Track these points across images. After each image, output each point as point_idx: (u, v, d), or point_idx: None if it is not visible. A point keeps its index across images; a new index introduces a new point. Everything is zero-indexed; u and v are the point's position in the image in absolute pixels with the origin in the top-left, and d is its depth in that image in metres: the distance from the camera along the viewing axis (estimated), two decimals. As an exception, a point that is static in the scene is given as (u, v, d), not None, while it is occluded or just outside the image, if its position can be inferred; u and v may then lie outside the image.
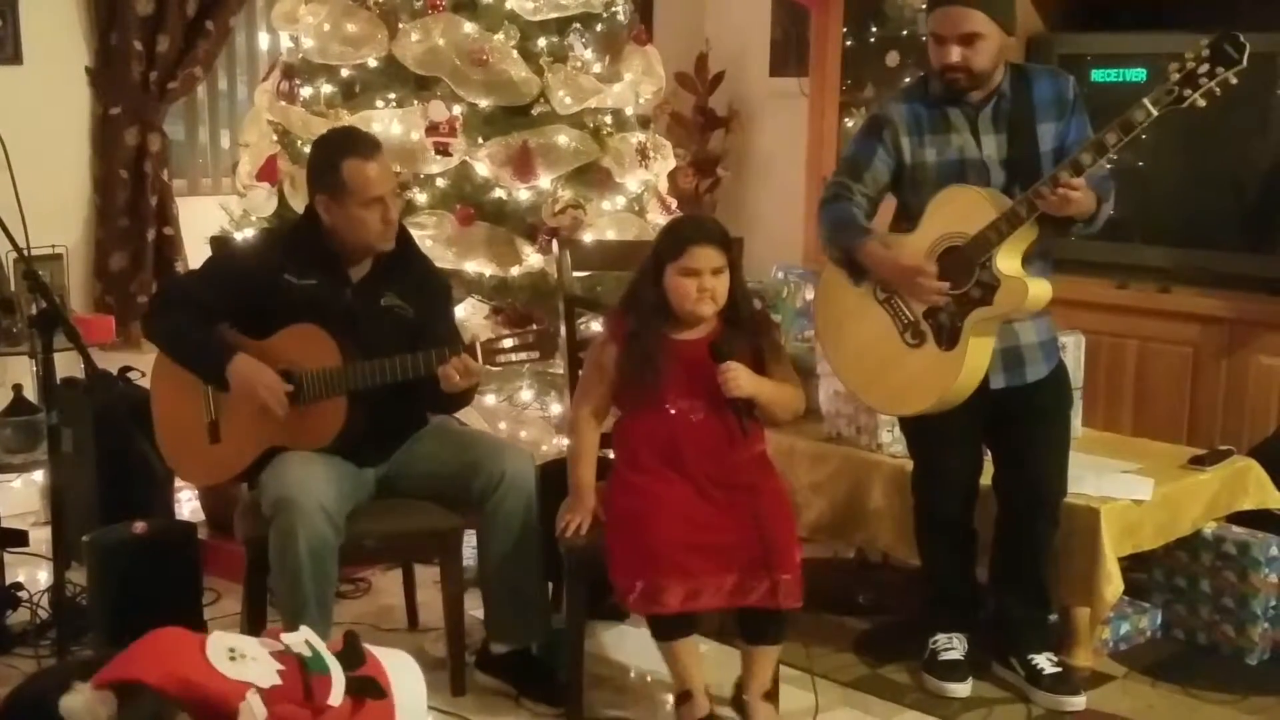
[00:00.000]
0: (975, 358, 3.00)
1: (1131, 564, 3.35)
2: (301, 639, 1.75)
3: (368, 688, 1.74)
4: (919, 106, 3.09)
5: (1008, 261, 2.96)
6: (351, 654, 1.82)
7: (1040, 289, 3.00)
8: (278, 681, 1.70)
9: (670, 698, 3.02)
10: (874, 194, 3.16)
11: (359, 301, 3.11)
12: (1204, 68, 2.78)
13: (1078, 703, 3.15)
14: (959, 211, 2.98)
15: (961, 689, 3.19)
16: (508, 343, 3.02)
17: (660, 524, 2.83)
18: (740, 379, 2.88)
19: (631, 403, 3.00)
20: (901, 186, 3.15)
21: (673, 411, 2.93)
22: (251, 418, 3.08)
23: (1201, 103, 2.83)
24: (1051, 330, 3.19)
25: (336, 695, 1.70)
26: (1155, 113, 2.81)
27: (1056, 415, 3.20)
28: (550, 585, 3.35)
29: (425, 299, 3.19)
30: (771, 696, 2.99)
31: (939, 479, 3.23)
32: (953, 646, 3.26)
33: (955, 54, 2.95)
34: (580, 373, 3.24)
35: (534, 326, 3.02)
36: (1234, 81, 2.82)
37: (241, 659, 1.71)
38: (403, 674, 1.76)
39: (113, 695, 1.53)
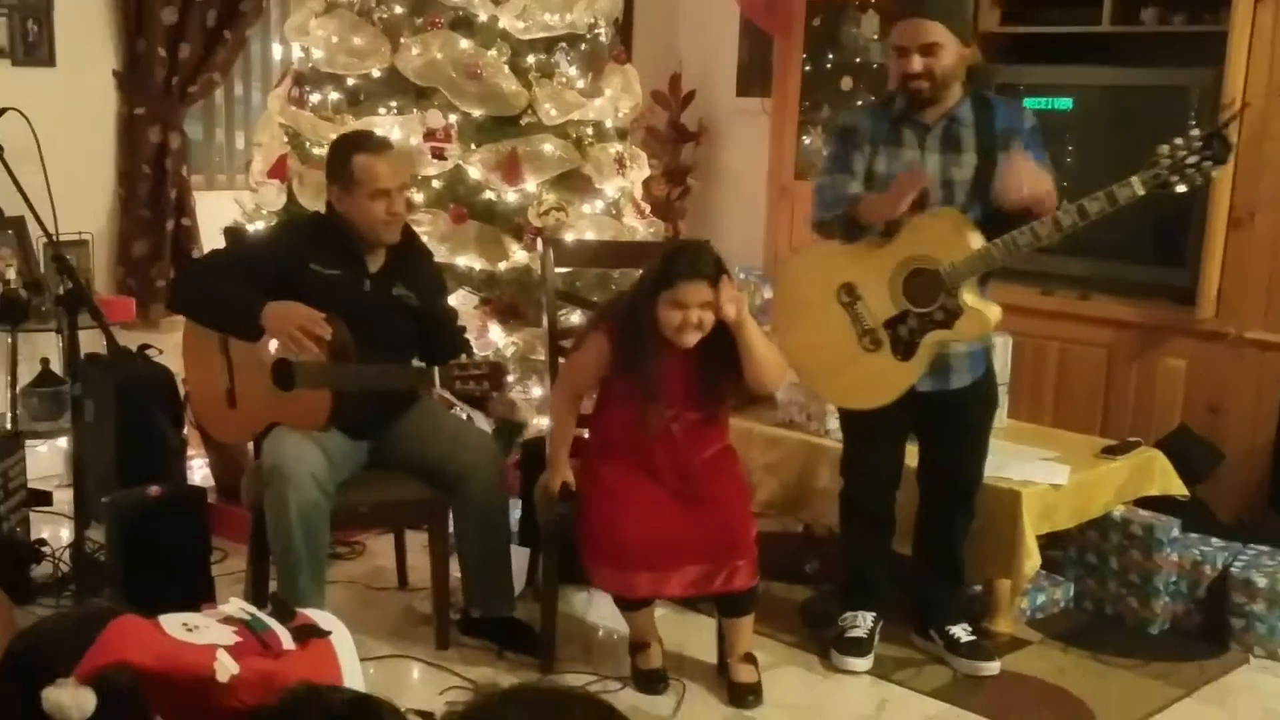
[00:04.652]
0: (924, 370, 2.98)
1: (1048, 542, 3.36)
2: (237, 608, 1.77)
3: (309, 632, 1.76)
4: (882, 121, 3.02)
5: (971, 292, 2.91)
6: (283, 611, 1.85)
7: (995, 317, 2.94)
8: (238, 640, 1.71)
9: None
10: (861, 187, 3.09)
11: (375, 291, 3.12)
12: (1192, 159, 2.75)
13: (992, 668, 3.15)
14: (935, 236, 2.89)
15: (862, 664, 3.15)
16: (463, 370, 2.94)
17: (631, 522, 2.83)
18: (735, 303, 2.80)
19: (621, 395, 2.92)
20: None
21: (660, 421, 2.86)
22: (256, 390, 3.07)
23: (1182, 188, 2.79)
24: (983, 340, 3.10)
25: (288, 642, 1.73)
26: (1141, 192, 2.77)
27: (978, 419, 3.14)
28: (529, 552, 3.35)
29: (429, 290, 3.24)
30: (750, 658, 3.01)
31: (863, 470, 3.19)
32: (858, 625, 3.20)
33: (918, 64, 2.88)
34: (564, 359, 3.23)
35: (488, 358, 3.01)
36: (1214, 176, 2.81)
37: (197, 629, 1.72)
38: (327, 620, 1.80)
39: (92, 689, 1.52)
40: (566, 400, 3.04)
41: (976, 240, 2.88)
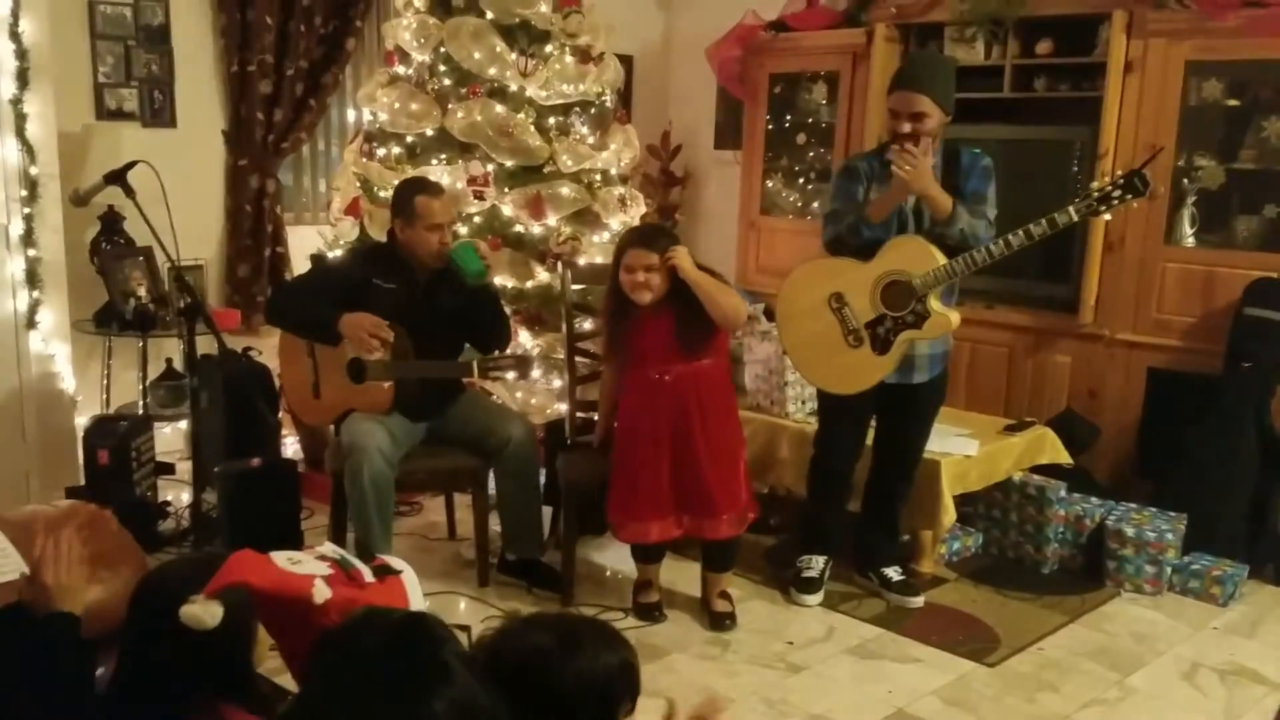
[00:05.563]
0: (896, 363, 2.96)
1: (962, 500, 3.38)
2: (330, 549, 1.80)
3: (385, 569, 1.79)
4: (875, 164, 2.97)
5: (936, 300, 2.89)
6: (365, 554, 1.86)
7: (956, 320, 2.93)
8: (331, 572, 1.73)
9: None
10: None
11: (425, 299, 3.11)
12: (1117, 192, 2.73)
13: (918, 601, 3.16)
14: (907, 255, 2.87)
15: (814, 599, 3.14)
16: (496, 362, 2.97)
17: (648, 484, 2.85)
18: (682, 259, 2.75)
19: (624, 362, 2.91)
20: None
21: (655, 376, 2.85)
22: (336, 384, 3.07)
23: (1108, 216, 2.81)
24: (943, 345, 3.05)
25: (369, 576, 1.75)
26: (1075, 219, 2.76)
27: (929, 409, 3.11)
28: (552, 510, 3.36)
29: (468, 297, 3.20)
30: (725, 594, 3.05)
31: (834, 444, 3.17)
32: (811, 567, 3.19)
33: (907, 126, 2.84)
34: (580, 357, 3.24)
35: (518, 353, 3.00)
36: (1135, 206, 2.79)
37: (299, 562, 1.74)
38: (399, 562, 1.83)
39: (219, 602, 1.54)
40: (607, 375, 3.05)
41: (941, 259, 2.85)
